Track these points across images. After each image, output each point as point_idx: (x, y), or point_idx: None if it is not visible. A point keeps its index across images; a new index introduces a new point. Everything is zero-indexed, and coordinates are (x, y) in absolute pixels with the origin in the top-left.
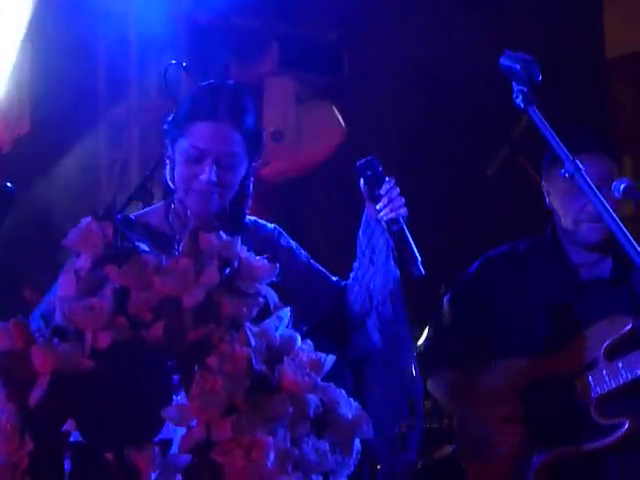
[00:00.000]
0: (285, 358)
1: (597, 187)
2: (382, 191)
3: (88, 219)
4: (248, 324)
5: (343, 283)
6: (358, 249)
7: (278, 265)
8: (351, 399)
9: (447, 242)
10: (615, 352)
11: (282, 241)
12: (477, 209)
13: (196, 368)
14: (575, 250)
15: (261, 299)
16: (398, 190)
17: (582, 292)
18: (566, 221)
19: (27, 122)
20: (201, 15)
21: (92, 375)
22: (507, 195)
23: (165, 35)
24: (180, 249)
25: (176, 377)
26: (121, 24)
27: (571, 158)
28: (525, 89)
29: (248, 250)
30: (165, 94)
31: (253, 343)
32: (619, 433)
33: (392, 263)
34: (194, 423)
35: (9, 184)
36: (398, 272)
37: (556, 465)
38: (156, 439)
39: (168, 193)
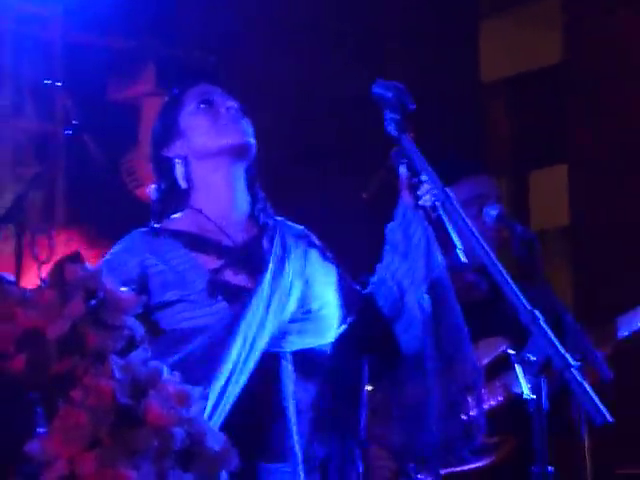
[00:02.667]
0: (151, 391)
1: (482, 206)
2: (423, 177)
3: None
4: (113, 356)
5: (364, 291)
6: (388, 245)
7: (316, 260)
8: (219, 432)
9: None
10: (492, 371)
11: (315, 240)
12: (353, 232)
13: (60, 401)
14: (450, 274)
15: (127, 331)
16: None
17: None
18: None
19: None
20: (76, 36)
21: None
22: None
23: (40, 56)
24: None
25: (39, 410)
26: None
27: (441, 186)
28: (398, 117)
29: (285, 241)
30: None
31: (118, 376)
32: (502, 450)
33: (436, 250)
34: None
35: None
36: (443, 259)
37: None
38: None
39: (184, 198)
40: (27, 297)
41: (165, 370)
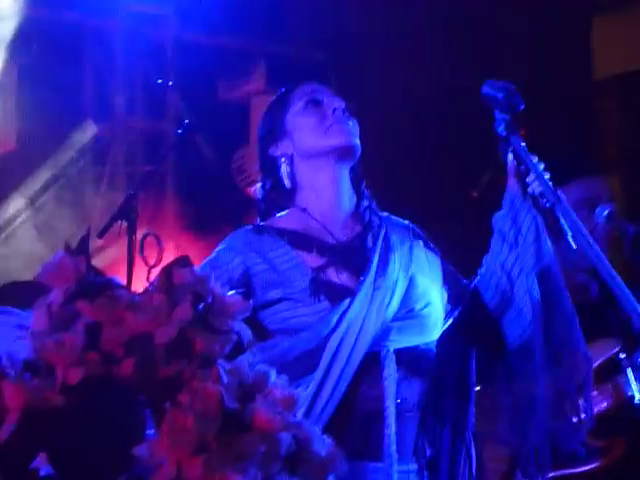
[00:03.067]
0: (257, 396)
1: (593, 208)
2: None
3: (61, 253)
4: (221, 361)
5: (472, 284)
6: (496, 234)
7: (421, 255)
8: (324, 436)
9: None
10: (604, 374)
11: (420, 233)
12: (462, 229)
13: (167, 405)
14: (563, 274)
15: (234, 336)
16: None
17: None
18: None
19: (14, 138)
20: (188, 34)
21: (63, 411)
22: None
23: (152, 54)
24: (154, 284)
25: (148, 413)
26: (108, 42)
27: (552, 188)
28: (507, 117)
29: (389, 238)
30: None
31: (225, 380)
32: (612, 453)
33: (545, 239)
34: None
35: None
36: (552, 247)
37: None
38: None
39: (289, 197)
40: (136, 301)
41: (272, 374)
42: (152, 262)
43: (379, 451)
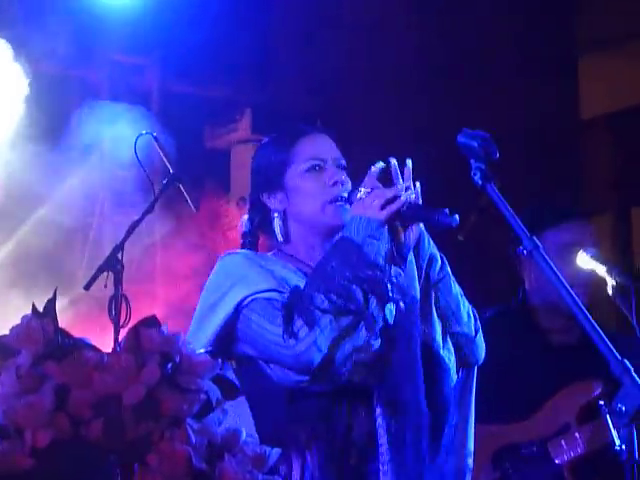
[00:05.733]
0: (226, 455)
1: (575, 252)
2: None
3: (29, 315)
4: (189, 420)
5: None
6: None
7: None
8: None
9: None
10: (586, 416)
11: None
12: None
13: (136, 466)
14: (545, 316)
15: (203, 395)
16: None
17: (553, 357)
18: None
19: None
20: (173, 83)
21: (33, 473)
22: (478, 261)
23: (138, 104)
24: (121, 345)
25: (117, 474)
26: (94, 92)
27: (529, 235)
28: (483, 166)
29: None
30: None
31: (194, 440)
32: None
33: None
34: None
35: None
36: None
37: None
38: None
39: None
40: (104, 362)
41: (243, 432)
42: (121, 322)
43: None
